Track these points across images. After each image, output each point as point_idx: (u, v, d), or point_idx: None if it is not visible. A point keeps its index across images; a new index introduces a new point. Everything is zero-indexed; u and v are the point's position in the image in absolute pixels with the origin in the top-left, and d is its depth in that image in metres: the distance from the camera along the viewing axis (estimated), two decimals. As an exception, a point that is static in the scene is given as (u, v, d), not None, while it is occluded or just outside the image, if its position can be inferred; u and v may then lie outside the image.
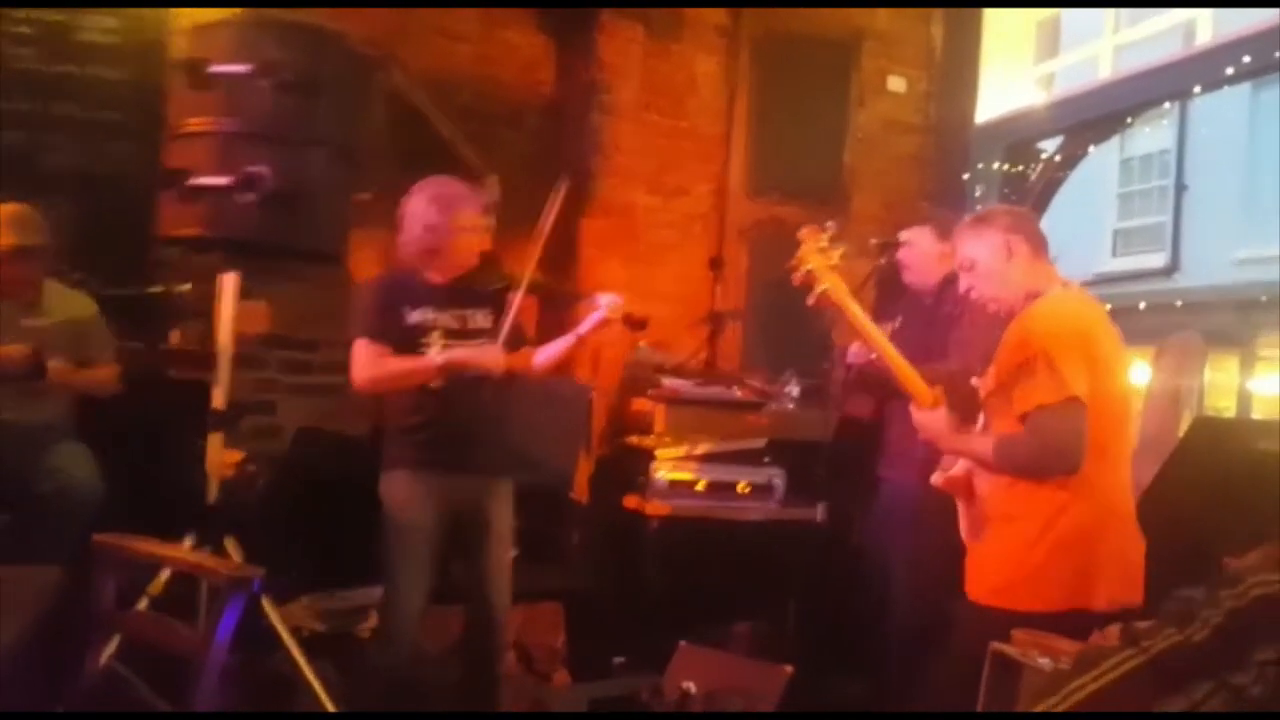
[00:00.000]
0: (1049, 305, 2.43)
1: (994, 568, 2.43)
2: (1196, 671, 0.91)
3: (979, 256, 2.52)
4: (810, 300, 2.62)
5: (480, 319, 3.08)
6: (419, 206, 3.01)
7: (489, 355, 2.95)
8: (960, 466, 2.56)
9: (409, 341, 2.99)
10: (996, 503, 2.44)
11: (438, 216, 2.98)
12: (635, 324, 3.30)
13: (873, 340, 2.66)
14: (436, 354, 2.95)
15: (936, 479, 2.61)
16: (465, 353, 2.96)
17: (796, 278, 2.64)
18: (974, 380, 2.60)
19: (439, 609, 3.14)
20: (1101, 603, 2.33)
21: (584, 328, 3.14)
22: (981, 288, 2.54)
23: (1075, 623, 2.28)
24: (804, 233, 2.68)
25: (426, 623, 3.07)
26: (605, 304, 3.11)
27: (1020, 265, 2.49)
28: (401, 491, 3.01)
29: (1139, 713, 0.94)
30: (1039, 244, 2.54)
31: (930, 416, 2.54)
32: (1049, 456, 2.29)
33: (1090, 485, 2.34)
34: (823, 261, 2.61)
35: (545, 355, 3.21)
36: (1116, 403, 2.41)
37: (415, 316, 3.01)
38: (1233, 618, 0.91)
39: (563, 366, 3.35)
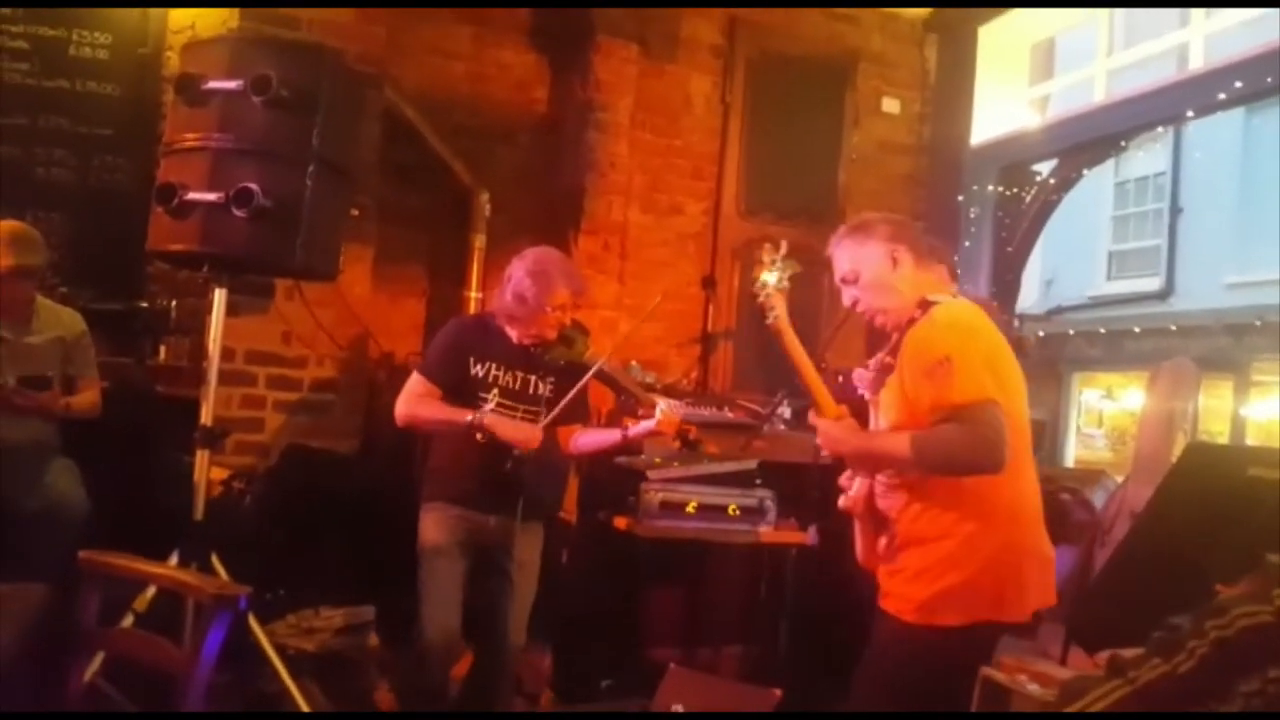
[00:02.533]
0: (952, 312, 2.35)
1: (914, 581, 2.35)
2: (1183, 701, 0.91)
3: (863, 269, 2.44)
4: (766, 323, 2.56)
5: (543, 387, 3.13)
6: (518, 274, 3.08)
7: (522, 433, 2.97)
8: (858, 488, 2.49)
9: (469, 392, 3.07)
10: (905, 525, 2.37)
11: (532, 291, 3.04)
12: (689, 442, 3.26)
13: (799, 364, 2.53)
14: (478, 413, 2.99)
15: (842, 503, 2.53)
16: (499, 422, 2.99)
17: (758, 297, 2.58)
18: (860, 390, 2.54)
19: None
20: (1024, 613, 2.32)
21: (633, 431, 3.13)
22: (867, 299, 2.45)
23: (992, 632, 2.30)
24: (763, 251, 2.61)
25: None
26: (660, 412, 3.04)
27: (905, 274, 2.42)
28: (434, 524, 3.08)
29: None
30: (922, 252, 2.45)
31: (831, 423, 2.44)
32: (981, 448, 2.16)
33: (999, 500, 2.29)
34: (776, 286, 2.55)
35: (587, 441, 3.23)
36: (1018, 411, 2.35)
37: (479, 370, 3.09)
38: (1219, 648, 0.91)
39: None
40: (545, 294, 3.04)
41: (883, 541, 2.46)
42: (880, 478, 2.43)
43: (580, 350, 3.12)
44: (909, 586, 2.36)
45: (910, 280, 2.41)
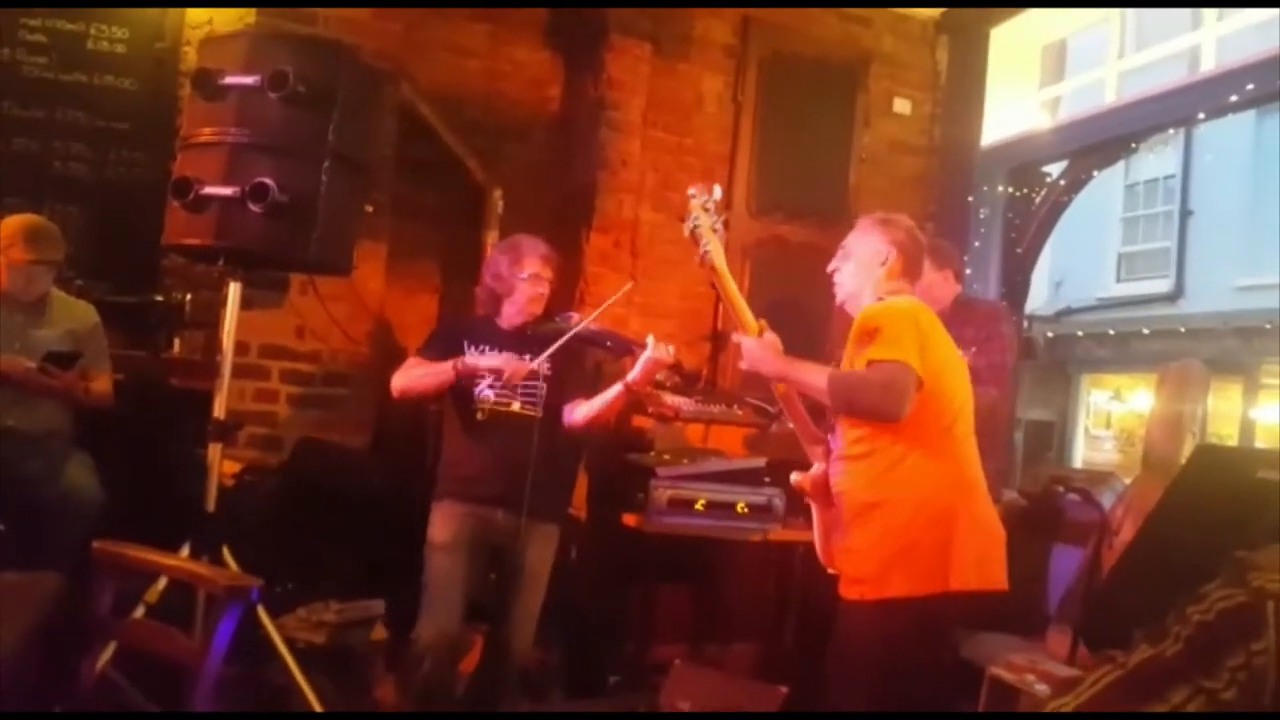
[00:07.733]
0: (893, 300, 2.57)
1: (864, 558, 2.46)
2: (1172, 679, 0.96)
3: (857, 251, 2.67)
4: (698, 260, 2.68)
5: (541, 366, 3.18)
6: (493, 257, 3.38)
7: (509, 365, 3.08)
8: (819, 467, 2.59)
9: (466, 377, 3.16)
10: (860, 489, 2.47)
11: (504, 263, 3.28)
12: (686, 376, 3.28)
13: (733, 303, 2.66)
14: (457, 359, 3.13)
15: (794, 479, 2.64)
16: (481, 357, 3.15)
17: (685, 232, 2.71)
18: None
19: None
20: (969, 580, 2.39)
21: (632, 376, 3.11)
22: (845, 273, 2.68)
23: (949, 604, 2.38)
24: (695, 189, 2.73)
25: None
26: (650, 350, 3.04)
27: (885, 274, 2.62)
28: (441, 521, 3.13)
29: (1122, 714, 0.99)
30: (912, 267, 2.66)
31: (755, 341, 2.56)
32: (883, 394, 2.33)
33: (950, 462, 2.44)
34: (707, 221, 2.66)
35: (594, 406, 3.24)
36: (956, 384, 2.51)
37: (476, 354, 3.19)
38: (1202, 630, 0.96)
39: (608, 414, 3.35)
40: (515, 263, 3.23)
41: (829, 521, 2.57)
42: (834, 453, 2.55)
43: (565, 321, 3.22)
44: (862, 566, 2.46)
45: (885, 281, 2.62)
